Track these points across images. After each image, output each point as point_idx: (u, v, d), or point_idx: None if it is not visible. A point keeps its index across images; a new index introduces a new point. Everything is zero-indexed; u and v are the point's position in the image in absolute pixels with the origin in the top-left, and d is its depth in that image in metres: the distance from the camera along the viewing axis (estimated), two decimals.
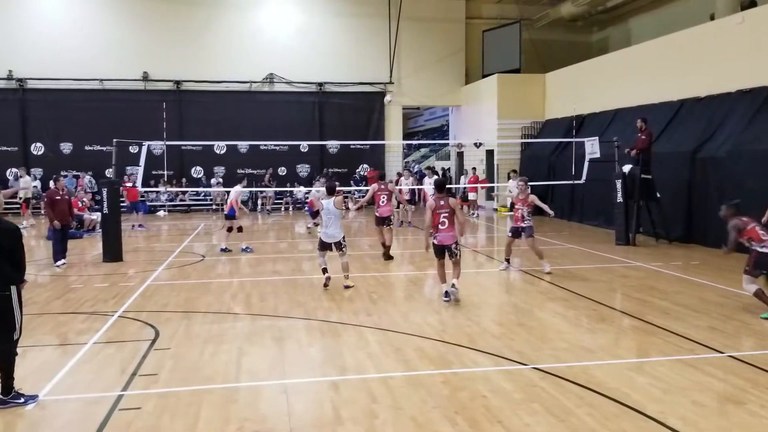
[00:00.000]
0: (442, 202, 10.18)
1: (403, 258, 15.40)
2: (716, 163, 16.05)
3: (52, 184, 27.74)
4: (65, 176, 27.76)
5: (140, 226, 22.28)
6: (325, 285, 11.52)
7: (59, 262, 14.28)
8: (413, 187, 24.87)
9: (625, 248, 16.11)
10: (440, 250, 10.30)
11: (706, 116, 17.54)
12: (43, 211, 21.11)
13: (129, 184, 22.87)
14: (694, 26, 19.54)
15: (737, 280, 11.74)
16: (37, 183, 27.66)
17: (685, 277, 12.29)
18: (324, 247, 11.66)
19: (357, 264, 14.41)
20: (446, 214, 10.10)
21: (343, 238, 11.62)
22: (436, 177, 20.48)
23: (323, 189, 13.37)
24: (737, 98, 16.68)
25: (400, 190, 22.72)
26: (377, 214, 15.33)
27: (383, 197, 15.36)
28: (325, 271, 11.58)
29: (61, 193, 14.74)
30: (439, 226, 10.14)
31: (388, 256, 14.85)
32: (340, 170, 31.56)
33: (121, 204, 24.59)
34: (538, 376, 6.85)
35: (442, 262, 10.51)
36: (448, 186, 16.98)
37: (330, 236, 11.52)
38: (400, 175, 27.49)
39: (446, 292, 10.32)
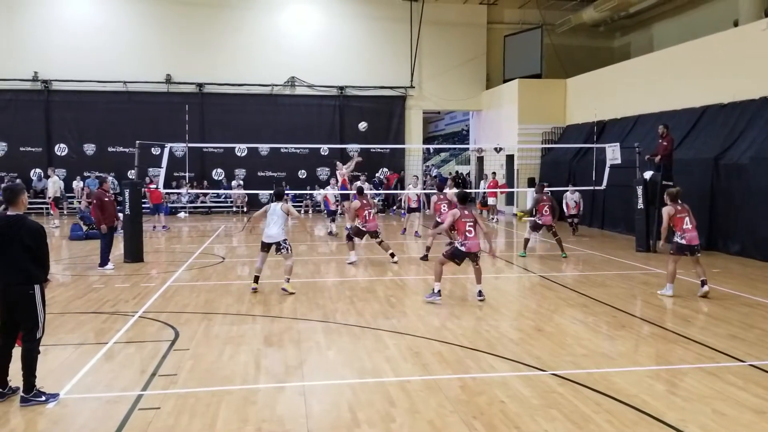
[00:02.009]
0: (467, 212, 10.64)
1: (422, 262, 15.34)
2: (739, 169, 15.90)
3: (80, 185, 28.33)
4: (88, 177, 28.26)
5: (164, 227, 22.43)
6: (254, 290, 11.60)
7: (108, 266, 14.14)
8: (419, 191, 23.06)
9: (645, 255, 15.99)
10: (465, 256, 10.69)
11: (729, 123, 17.38)
12: (79, 213, 21.20)
13: (153, 186, 23.07)
14: (718, 32, 19.37)
15: (760, 288, 11.68)
16: (61, 184, 27.93)
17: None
18: (264, 247, 11.65)
19: (378, 267, 14.44)
20: (471, 223, 10.55)
21: (285, 240, 11.53)
22: (455, 188, 20.27)
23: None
24: (761, 105, 16.51)
25: (408, 197, 22.53)
26: (364, 228, 14.76)
27: (367, 212, 14.72)
28: (257, 279, 11.74)
29: (108, 194, 14.48)
30: (467, 234, 10.51)
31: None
32: (359, 174, 31.59)
33: (145, 206, 24.92)
34: (557, 382, 6.82)
35: (451, 264, 10.95)
36: (467, 190, 17.00)
37: (270, 237, 11.50)
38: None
39: (439, 291, 10.79)
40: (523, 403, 6.25)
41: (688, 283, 12.27)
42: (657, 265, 14.42)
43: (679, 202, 11.37)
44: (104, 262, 14.28)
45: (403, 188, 29.20)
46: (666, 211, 11.37)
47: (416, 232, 21.15)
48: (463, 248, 10.52)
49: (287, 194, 12.78)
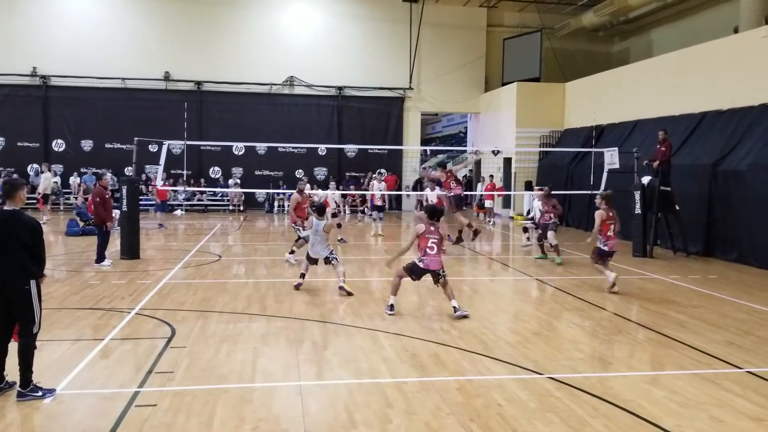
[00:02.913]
0: (432, 228, 9.92)
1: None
2: (737, 176, 15.93)
3: (77, 181, 28.26)
4: (85, 173, 28.22)
5: (160, 225, 22.37)
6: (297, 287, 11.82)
7: (105, 263, 14.19)
8: (386, 192, 23.27)
9: (642, 260, 16.00)
10: (422, 273, 9.98)
11: (728, 129, 17.41)
12: (76, 209, 21.15)
13: (160, 182, 23.03)
14: (718, 39, 19.41)
15: (757, 295, 11.70)
16: (57, 179, 27.93)
17: (703, 290, 12.18)
18: (312, 261, 11.96)
19: (376, 268, 14.44)
20: (435, 240, 9.87)
21: (331, 252, 11.79)
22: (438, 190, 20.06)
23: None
24: (760, 112, 16.54)
25: (372, 195, 22.22)
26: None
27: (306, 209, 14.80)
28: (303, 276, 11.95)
29: (107, 190, 14.58)
30: (427, 250, 9.84)
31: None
32: (357, 174, 31.69)
33: (150, 203, 24.80)
34: (554, 386, 6.81)
35: (407, 279, 10.22)
36: (465, 193, 16.97)
37: (317, 253, 11.77)
38: (372, 177, 26.72)
39: (392, 305, 10.11)
40: (520, 406, 6.25)
41: (685, 289, 12.31)
42: (654, 270, 14.45)
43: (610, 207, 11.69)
44: (101, 258, 14.27)
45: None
46: (599, 214, 11.55)
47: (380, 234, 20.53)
48: (420, 264, 9.84)
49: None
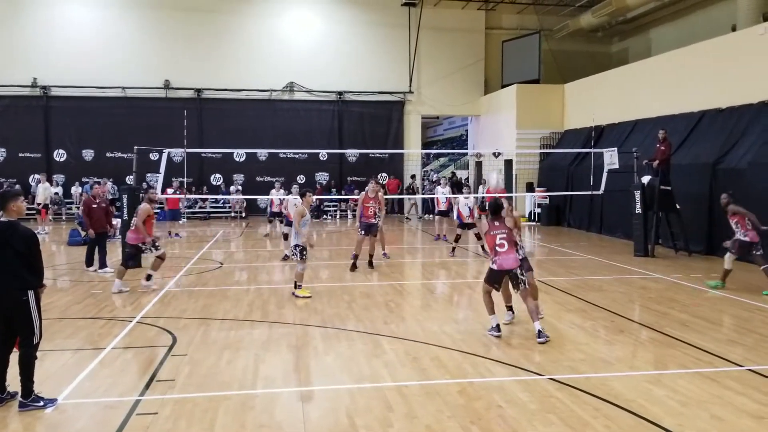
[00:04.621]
0: (497, 223, 8.91)
1: (422, 267, 15.37)
2: (737, 174, 15.91)
3: (79, 191, 28.33)
4: (86, 182, 28.26)
5: (173, 234, 22.23)
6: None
7: (102, 270, 14.45)
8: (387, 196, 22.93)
9: (643, 260, 16.00)
10: (500, 276, 8.98)
11: (727, 127, 17.41)
12: (77, 219, 21.25)
13: (171, 191, 23.10)
14: (716, 37, 19.41)
15: (759, 292, 11.68)
16: (59, 189, 28.01)
17: (705, 289, 12.17)
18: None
19: (375, 272, 14.44)
20: (503, 236, 8.81)
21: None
22: (448, 186, 19.85)
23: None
24: (759, 109, 16.54)
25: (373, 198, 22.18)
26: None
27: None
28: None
29: (97, 200, 14.92)
30: (497, 249, 8.82)
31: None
32: (359, 179, 31.66)
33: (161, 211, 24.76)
34: (555, 387, 6.81)
35: (492, 289, 9.08)
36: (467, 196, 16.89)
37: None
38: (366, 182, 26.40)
39: (498, 325, 8.95)
40: (521, 407, 6.25)
41: (687, 288, 12.29)
42: (656, 269, 14.44)
43: (501, 215, 9.10)
44: (89, 264, 14.65)
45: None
46: (481, 227, 10.15)
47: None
48: (494, 266, 8.88)
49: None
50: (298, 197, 12.65)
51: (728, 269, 12.17)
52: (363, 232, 14.66)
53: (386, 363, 7.70)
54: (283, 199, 18.01)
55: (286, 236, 16.71)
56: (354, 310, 10.67)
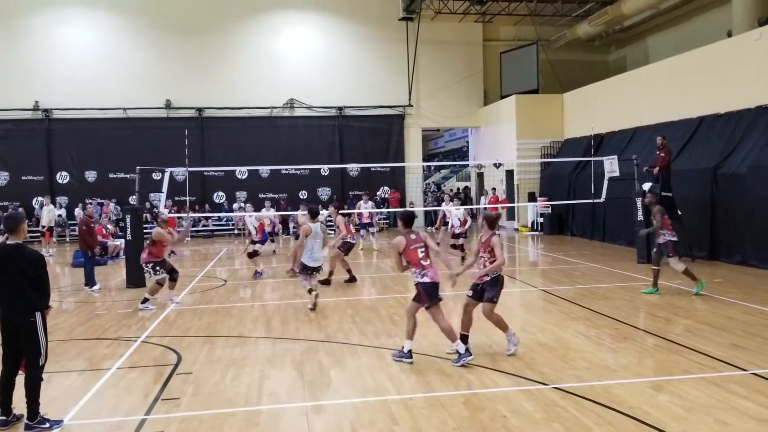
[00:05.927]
0: (413, 236, 8.26)
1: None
2: (737, 179, 15.95)
3: (82, 213, 28.48)
4: (90, 203, 28.32)
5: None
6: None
7: (96, 287, 14.87)
8: (373, 210, 23.55)
9: (646, 266, 15.93)
10: (436, 289, 8.21)
11: (726, 133, 17.46)
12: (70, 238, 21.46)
13: (166, 211, 23.14)
14: (712, 43, 19.50)
15: (762, 297, 11.68)
16: (62, 211, 28.12)
17: (708, 294, 12.15)
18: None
19: (378, 285, 14.46)
20: (423, 248, 8.21)
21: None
22: (458, 200, 19.71)
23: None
24: (757, 114, 16.60)
25: (360, 214, 22.53)
26: None
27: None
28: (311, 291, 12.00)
29: (92, 219, 15.60)
30: (422, 262, 8.17)
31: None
32: (360, 192, 31.68)
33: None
34: (559, 396, 6.82)
35: (419, 309, 8.34)
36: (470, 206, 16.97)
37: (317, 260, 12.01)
38: (358, 198, 26.48)
39: (467, 349, 8.17)
40: (526, 417, 6.26)
41: (690, 293, 12.28)
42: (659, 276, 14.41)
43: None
44: (91, 283, 14.90)
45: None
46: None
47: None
48: (426, 279, 8.15)
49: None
50: (307, 212, 12.74)
51: (685, 269, 12.51)
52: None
53: (390, 376, 7.71)
54: (251, 215, 17.93)
55: (251, 255, 16.71)
56: (358, 323, 10.69)
